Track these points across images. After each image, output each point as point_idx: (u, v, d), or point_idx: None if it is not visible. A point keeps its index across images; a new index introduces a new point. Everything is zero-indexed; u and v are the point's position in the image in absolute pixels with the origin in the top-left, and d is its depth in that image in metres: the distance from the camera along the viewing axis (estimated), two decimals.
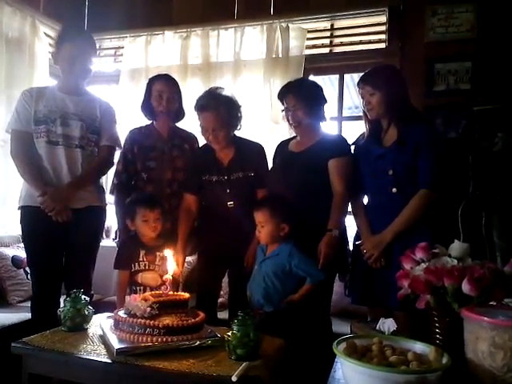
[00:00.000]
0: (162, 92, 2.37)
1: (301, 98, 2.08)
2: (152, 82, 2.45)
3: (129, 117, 3.18)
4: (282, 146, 2.28)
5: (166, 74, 2.52)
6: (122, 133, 2.49)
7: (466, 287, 1.13)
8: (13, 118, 2.22)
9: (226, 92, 2.23)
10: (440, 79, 2.81)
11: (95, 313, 1.79)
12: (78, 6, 3.55)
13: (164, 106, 2.37)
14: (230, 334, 1.43)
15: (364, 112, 2.02)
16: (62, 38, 2.26)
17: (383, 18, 3.05)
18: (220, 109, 2.11)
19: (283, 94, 2.16)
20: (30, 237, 2.23)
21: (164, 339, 1.47)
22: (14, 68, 3.08)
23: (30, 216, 2.20)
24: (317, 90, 2.18)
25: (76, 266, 2.23)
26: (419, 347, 1.13)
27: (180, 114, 2.50)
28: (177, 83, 2.48)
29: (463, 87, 2.77)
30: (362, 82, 1.98)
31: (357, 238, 2.05)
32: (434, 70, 2.82)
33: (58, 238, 2.17)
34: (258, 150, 2.28)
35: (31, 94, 2.23)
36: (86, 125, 2.22)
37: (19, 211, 2.25)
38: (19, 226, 2.27)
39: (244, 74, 3.26)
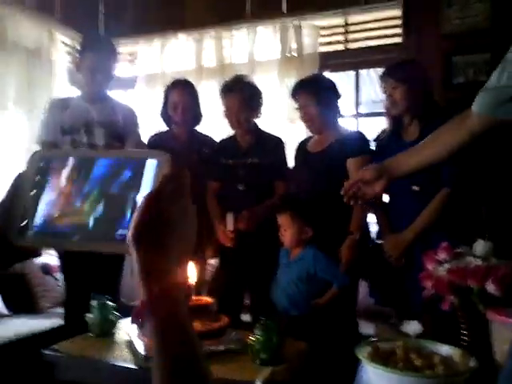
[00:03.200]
0: (178, 103, 2.41)
1: (312, 94, 2.09)
2: (169, 90, 2.48)
3: (146, 121, 3.22)
4: (301, 146, 2.29)
5: (182, 81, 2.55)
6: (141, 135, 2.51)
7: (490, 287, 1.12)
8: (41, 130, 2.30)
9: (249, 78, 2.39)
10: (458, 72, 2.75)
11: (122, 317, 1.83)
12: (93, 13, 3.60)
13: (179, 117, 2.42)
14: (253, 338, 1.44)
15: (386, 107, 1.99)
16: (83, 48, 2.33)
17: (398, 12, 3.00)
18: (244, 92, 2.26)
19: (295, 92, 2.17)
20: None
21: None
22: (34, 78, 3.16)
23: None
24: (329, 85, 2.17)
25: (104, 273, 2.28)
26: (445, 350, 1.12)
27: (198, 119, 2.53)
28: (193, 89, 2.51)
29: (482, 79, 2.71)
30: (385, 75, 1.96)
31: (378, 236, 2.04)
32: (452, 62, 2.76)
33: None
34: (276, 141, 2.37)
35: (57, 104, 2.31)
36: (109, 131, 2.27)
37: None
38: None
39: (259, 74, 3.26)
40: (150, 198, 0.49)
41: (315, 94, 2.09)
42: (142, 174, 0.55)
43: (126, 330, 1.71)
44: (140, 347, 1.51)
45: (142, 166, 0.55)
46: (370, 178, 1.31)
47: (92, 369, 1.53)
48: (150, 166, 0.55)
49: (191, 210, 0.52)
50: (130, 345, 1.60)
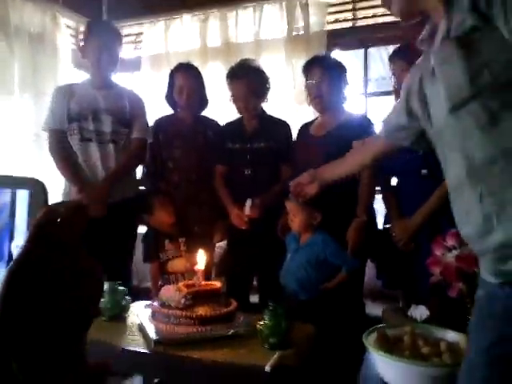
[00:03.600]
0: (183, 87, 2.39)
1: (326, 70, 2.07)
2: (173, 73, 2.46)
3: (152, 103, 3.20)
4: (304, 129, 2.27)
5: (186, 64, 2.52)
6: (148, 120, 2.50)
7: None
8: (48, 117, 2.30)
9: (257, 63, 2.38)
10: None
11: (133, 299, 1.87)
12: None
13: (185, 101, 2.40)
14: (261, 323, 1.46)
15: (395, 89, 1.95)
16: (88, 33, 2.32)
17: None
18: (251, 77, 2.26)
19: (308, 67, 2.14)
20: None
21: (199, 329, 1.51)
22: (39, 62, 3.13)
23: None
24: (341, 69, 2.15)
25: (114, 257, 2.31)
26: (451, 336, 1.13)
27: (203, 103, 2.52)
28: (198, 73, 2.49)
29: None
30: (394, 56, 1.91)
31: (386, 220, 2.03)
32: None
33: (97, 231, 2.24)
34: (282, 125, 2.37)
35: (63, 91, 2.30)
36: (116, 118, 2.27)
37: None
38: None
39: (265, 54, 3.21)
40: (22, 254, 0.36)
41: (329, 71, 2.08)
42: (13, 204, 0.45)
43: (138, 313, 1.74)
44: (151, 331, 1.55)
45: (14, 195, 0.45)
46: (305, 182, 1.60)
47: (104, 353, 1.56)
48: (22, 197, 0.45)
49: (89, 265, 0.40)
50: (141, 329, 1.64)
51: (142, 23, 3.58)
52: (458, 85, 0.81)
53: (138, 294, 2.29)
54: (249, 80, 2.24)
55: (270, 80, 2.38)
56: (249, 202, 2.12)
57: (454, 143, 0.87)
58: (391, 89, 2.21)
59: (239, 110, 2.32)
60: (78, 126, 2.23)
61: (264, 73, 2.34)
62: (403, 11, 1.03)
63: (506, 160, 0.78)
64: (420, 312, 1.33)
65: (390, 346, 1.07)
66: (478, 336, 0.86)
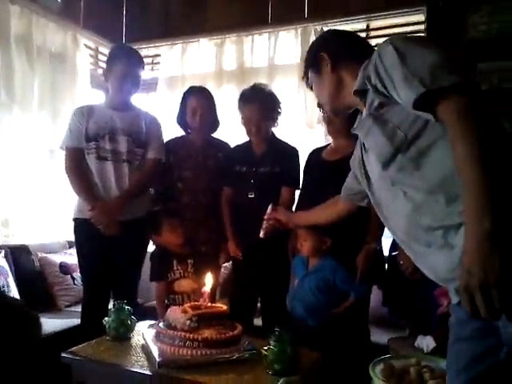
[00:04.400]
0: (196, 109, 2.42)
1: None
2: (186, 96, 2.50)
3: (167, 124, 3.25)
4: (315, 155, 2.26)
5: (200, 87, 2.57)
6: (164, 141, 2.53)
7: None
8: (66, 136, 2.36)
9: (268, 88, 2.39)
10: (483, 78, 2.70)
11: (138, 317, 1.86)
12: (116, 18, 3.65)
13: (197, 123, 2.43)
14: (267, 348, 1.45)
15: None
16: (113, 57, 2.38)
17: (421, 17, 2.96)
18: (264, 101, 2.27)
19: None
20: (81, 247, 2.37)
21: (203, 352, 1.50)
22: (58, 81, 3.22)
23: (81, 228, 2.33)
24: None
25: (123, 276, 2.33)
26: None
27: (215, 125, 2.56)
28: (211, 96, 2.53)
29: (507, 86, 2.65)
30: None
31: (392, 247, 2.02)
32: (476, 69, 2.71)
33: (107, 248, 2.27)
34: (290, 150, 2.38)
35: (82, 112, 2.35)
36: (132, 139, 2.31)
37: (73, 222, 2.38)
38: (67, 233, 2.41)
39: (278, 78, 3.27)
40: None
41: None
42: None
43: (143, 334, 1.74)
44: (155, 352, 1.54)
45: None
46: (282, 219, 1.82)
47: (108, 373, 1.56)
48: None
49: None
50: (146, 350, 1.63)
51: (159, 45, 3.67)
52: (382, 147, 1.01)
53: (144, 314, 2.29)
54: (260, 104, 2.25)
55: (282, 104, 2.40)
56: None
57: (389, 197, 1.05)
58: None
59: (249, 133, 2.33)
60: (95, 145, 2.28)
61: (276, 97, 2.35)
62: (334, 110, 1.33)
63: (433, 196, 0.94)
64: (427, 342, 1.32)
65: (396, 378, 1.06)
66: (453, 360, 0.96)
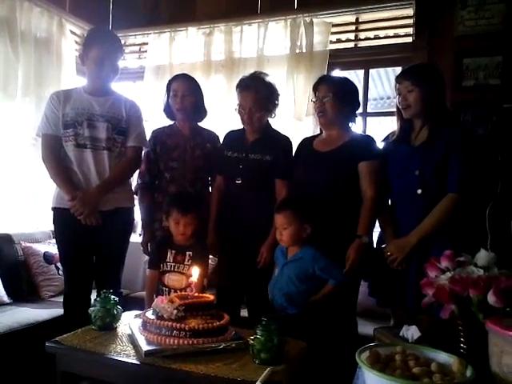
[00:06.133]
0: (177, 90, 2.39)
1: (332, 89, 2.07)
2: (170, 82, 2.47)
3: (154, 113, 3.22)
4: (306, 144, 2.27)
5: (183, 74, 2.54)
6: (148, 130, 2.50)
7: (491, 299, 1.12)
8: (42, 123, 2.25)
9: (269, 78, 2.33)
10: (469, 74, 2.72)
11: (123, 307, 1.84)
12: (104, 4, 3.59)
13: (179, 103, 2.39)
14: (253, 338, 1.45)
15: (398, 109, 1.98)
16: (89, 41, 2.27)
17: (410, 11, 2.97)
18: (261, 90, 2.22)
19: (316, 85, 2.16)
20: (61, 237, 2.30)
21: (190, 342, 1.50)
22: (43, 67, 3.16)
23: (61, 217, 2.25)
24: (352, 91, 2.15)
25: (106, 266, 2.29)
26: (443, 357, 1.12)
27: (200, 112, 2.51)
28: (194, 81, 2.50)
29: (493, 82, 2.69)
30: (401, 77, 1.94)
31: (380, 239, 2.04)
32: (463, 64, 2.73)
33: (88, 238, 2.22)
34: (283, 140, 2.34)
35: (59, 97, 2.26)
36: (111, 126, 2.22)
37: (52, 212, 2.30)
38: (51, 224, 2.35)
39: (267, 69, 3.24)
40: None
41: (335, 90, 2.07)
42: None
43: (129, 323, 1.73)
44: (142, 342, 1.54)
45: None
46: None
47: (94, 363, 1.55)
48: None
49: None
50: (132, 339, 1.62)
51: (147, 33, 3.62)
52: None
53: (126, 303, 2.27)
54: (255, 93, 2.21)
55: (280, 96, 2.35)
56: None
57: None
58: (388, 109, 2.23)
59: (243, 121, 2.28)
60: (73, 132, 2.19)
61: (273, 88, 2.30)
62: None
63: None
64: (412, 332, 1.33)
65: (382, 365, 1.07)
66: None
